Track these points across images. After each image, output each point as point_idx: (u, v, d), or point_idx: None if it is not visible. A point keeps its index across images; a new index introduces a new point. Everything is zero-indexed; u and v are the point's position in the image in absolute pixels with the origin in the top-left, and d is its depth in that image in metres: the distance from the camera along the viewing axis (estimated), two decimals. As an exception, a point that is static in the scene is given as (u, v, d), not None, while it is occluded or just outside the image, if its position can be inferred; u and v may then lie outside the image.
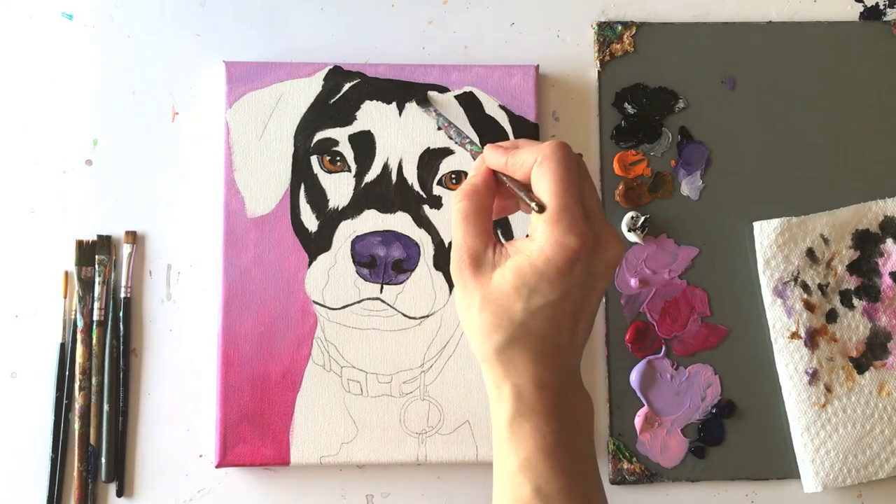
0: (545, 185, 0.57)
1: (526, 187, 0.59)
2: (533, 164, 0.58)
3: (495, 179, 0.61)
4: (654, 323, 0.81)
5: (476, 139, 0.79)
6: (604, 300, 0.80)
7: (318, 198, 0.79)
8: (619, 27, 0.83)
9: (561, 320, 0.57)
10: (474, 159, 0.64)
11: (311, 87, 0.80)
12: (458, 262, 0.58)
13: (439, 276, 0.79)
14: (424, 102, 0.79)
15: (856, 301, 0.81)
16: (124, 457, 0.78)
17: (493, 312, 0.57)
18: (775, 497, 0.80)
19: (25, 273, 0.79)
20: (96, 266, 0.79)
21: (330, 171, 0.80)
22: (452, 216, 0.60)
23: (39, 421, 0.78)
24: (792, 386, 0.80)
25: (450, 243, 0.79)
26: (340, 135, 0.80)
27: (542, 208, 0.56)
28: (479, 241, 0.58)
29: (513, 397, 0.57)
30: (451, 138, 0.73)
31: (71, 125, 0.81)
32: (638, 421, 0.80)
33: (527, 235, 0.58)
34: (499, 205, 0.62)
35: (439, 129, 0.79)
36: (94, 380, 0.78)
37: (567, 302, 0.57)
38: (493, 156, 0.61)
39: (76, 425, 0.77)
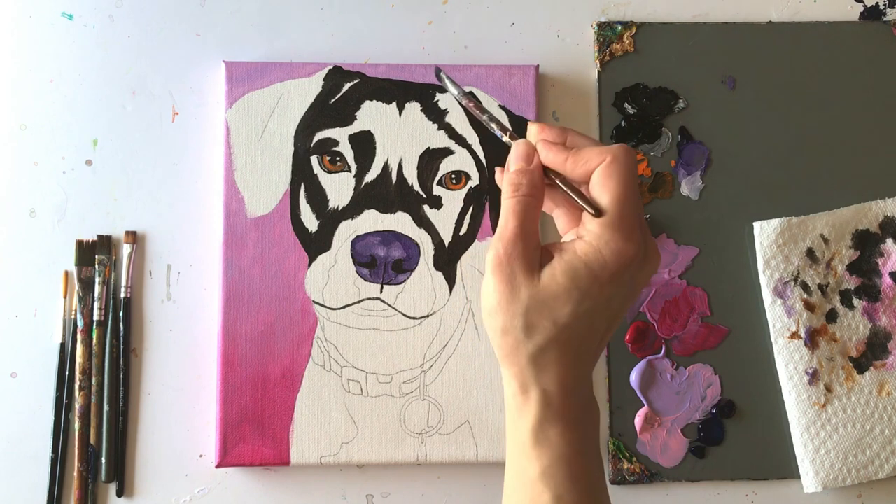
0: (611, 189, 0.55)
1: (579, 191, 0.57)
2: (598, 164, 0.56)
3: (544, 174, 0.58)
4: (654, 323, 0.81)
5: (506, 122, 0.73)
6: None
7: (318, 198, 0.79)
8: (619, 27, 0.83)
9: (598, 325, 0.56)
10: (507, 142, 0.61)
11: (311, 87, 0.80)
12: (509, 255, 0.55)
13: (439, 275, 0.79)
14: (450, 80, 0.74)
15: (856, 301, 0.81)
16: (124, 457, 0.78)
17: (539, 313, 0.55)
18: (775, 497, 0.80)
19: (25, 273, 0.79)
20: (96, 266, 0.79)
21: (330, 171, 0.80)
22: (511, 206, 0.57)
23: (39, 421, 0.78)
24: (792, 386, 0.80)
25: (450, 243, 0.79)
26: (340, 135, 0.80)
27: (599, 213, 0.55)
28: (533, 239, 0.56)
29: (541, 403, 0.56)
30: (480, 119, 0.67)
31: (71, 125, 0.81)
32: (638, 421, 0.80)
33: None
34: None
35: (462, 107, 0.74)
36: (94, 380, 0.78)
37: (608, 308, 0.56)
38: (550, 153, 0.58)
39: (76, 425, 0.77)
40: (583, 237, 0.56)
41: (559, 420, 0.55)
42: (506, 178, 0.58)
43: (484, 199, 0.80)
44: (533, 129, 0.59)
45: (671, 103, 0.83)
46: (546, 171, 0.58)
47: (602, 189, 0.56)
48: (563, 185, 0.57)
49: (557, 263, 0.55)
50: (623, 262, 0.55)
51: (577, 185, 0.57)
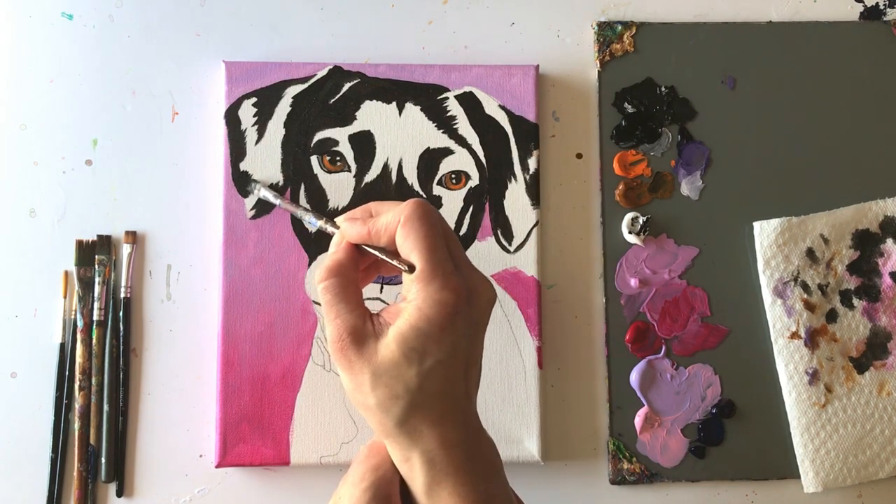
0: (411, 246, 0.57)
1: (391, 252, 0.59)
2: (396, 226, 0.58)
3: (357, 251, 0.61)
4: (654, 323, 0.81)
5: (316, 218, 0.72)
6: (604, 300, 0.81)
7: (318, 198, 0.79)
8: (619, 27, 0.83)
9: (454, 374, 0.57)
10: (331, 234, 0.65)
11: (311, 87, 0.80)
12: (338, 342, 0.57)
13: (439, 276, 0.79)
14: (256, 185, 0.79)
15: (856, 301, 0.81)
16: (124, 457, 0.78)
17: (387, 385, 0.56)
18: (775, 497, 0.80)
19: (25, 273, 0.79)
20: (96, 266, 0.79)
21: (330, 171, 0.80)
22: (321, 297, 0.59)
23: (39, 421, 0.78)
24: (792, 386, 0.80)
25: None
26: (340, 135, 0.80)
27: (412, 269, 0.57)
28: (356, 316, 0.58)
29: (425, 465, 0.57)
30: (295, 214, 0.75)
31: (71, 125, 0.81)
32: (638, 421, 0.80)
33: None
34: (360, 274, 0.62)
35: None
36: (94, 380, 0.78)
37: (456, 355, 0.57)
38: (353, 228, 0.60)
39: (76, 425, 0.77)
40: (406, 297, 0.57)
41: (447, 477, 0.57)
42: None
43: (484, 199, 0.80)
44: (341, 219, 0.62)
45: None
46: (359, 246, 0.61)
47: (404, 249, 0.58)
48: (374, 252, 0.60)
49: (391, 332, 0.56)
50: (448, 310, 0.56)
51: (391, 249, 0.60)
